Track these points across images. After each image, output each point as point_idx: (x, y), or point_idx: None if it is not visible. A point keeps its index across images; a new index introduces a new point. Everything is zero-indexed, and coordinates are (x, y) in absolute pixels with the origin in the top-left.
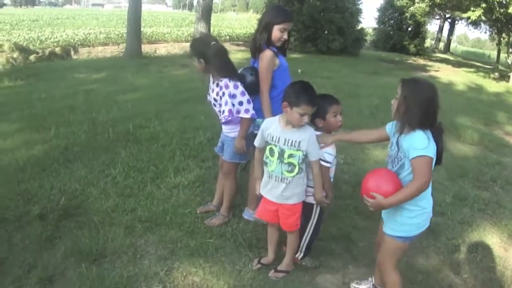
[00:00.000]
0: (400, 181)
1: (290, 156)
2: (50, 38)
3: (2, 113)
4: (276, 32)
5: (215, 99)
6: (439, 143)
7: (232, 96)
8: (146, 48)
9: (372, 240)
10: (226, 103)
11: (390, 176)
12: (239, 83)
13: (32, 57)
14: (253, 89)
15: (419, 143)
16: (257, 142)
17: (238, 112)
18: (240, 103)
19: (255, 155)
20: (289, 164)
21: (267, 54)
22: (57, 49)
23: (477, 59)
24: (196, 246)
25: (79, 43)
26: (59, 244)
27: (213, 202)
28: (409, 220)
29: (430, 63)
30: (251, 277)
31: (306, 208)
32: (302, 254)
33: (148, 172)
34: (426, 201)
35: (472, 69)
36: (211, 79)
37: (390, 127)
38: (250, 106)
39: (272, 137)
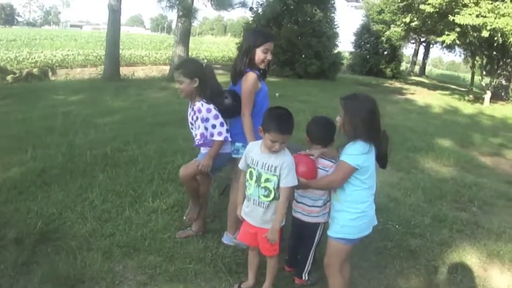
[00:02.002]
0: (313, 164)
1: (266, 180)
2: (28, 59)
3: None
4: (259, 54)
5: (191, 123)
6: (384, 148)
7: (205, 120)
8: (124, 71)
9: (353, 264)
10: (198, 127)
11: (305, 161)
12: (212, 107)
13: (9, 78)
14: (229, 112)
15: (352, 149)
16: (241, 165)
17: (212, 135)
18: (213, 126)
19: (240, 178)
20: (265, 188)
21: (251, 76)
22: (35, 70)
23: (452, 82)
24: (176, 272)
25: (57, 64)
26: (36, 269)
27: (192, 228)
28: (349, 222)
29: (406, 86)
30: None
31: (311, 228)
32: (307, 277)
33: (126, 196)
34: (366, 205)
35: (447, 92)
36: (190, 103)
37: None
38: (223, 129)
39: (252, 160)
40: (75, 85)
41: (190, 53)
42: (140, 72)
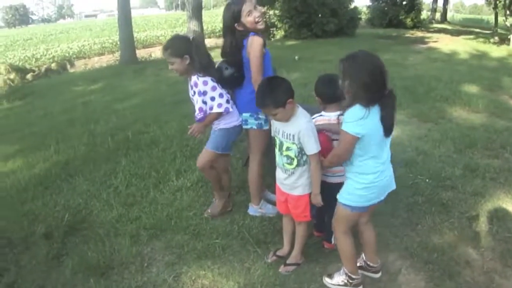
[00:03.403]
0: (328, 141)
1: (288, 149)
2: (45, 55)
3: (2, 136)
4: (247, 19)
5: (192, 99)
6: (389, 112)
7: (203, 93)
8: (141, 53)
9: (384, 222)
10: (197, 102)
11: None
12: (208, 79)
13: (29, 76)
14: (231, 83)
15: (349, 116)
16: (272, 133)
17: (211, 108)
18: (212, 99)
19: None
20: (287, 157)
21: (258, 40)
22: (53, 65)
23: (476, 25)
24: (203, 248)
25: (74, 56)
26: (67, 261)
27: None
28: (356, 191)
29: (428, 34)
30: (261, 274)
31: (336, 189)
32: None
33: (150, 178)
34: (376, 176)
35: (471, 36)
36: (187, 79)
37: None
38: (223, 100)
39: (275, 129)
40: (93, 74)
41: (205, 27)
42: (157, 52)
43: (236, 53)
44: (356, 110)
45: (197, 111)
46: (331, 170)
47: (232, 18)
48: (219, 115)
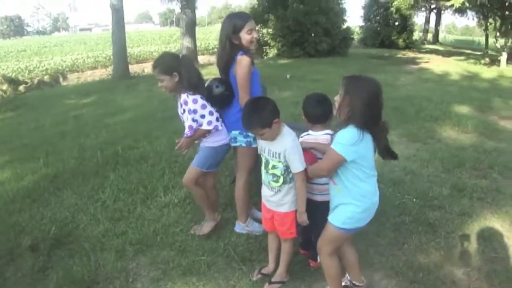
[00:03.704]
0: (314, 160)
1: (274, 167)
2: (39, 67)
3: None
4: (245, 36)
5: (181, 116)
6: (382, 141)
7: (193, 112)
8: (134, 68)
9: (370, 242)
10: (187, 119)
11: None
12: (198, 97)
13: (21, 88)
14: (221, 102)
15: (343, 137)
16: (258, 150)
17: (201, 125)
18: (202, 116)
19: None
20: (273, 175)
21: (246, 59)
22: (46, 77)
23: (467, 47)
24: (188, 265)
25: (67, 69)
26: (52, 274)
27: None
28: (356, 215)
29: (420, 55)
30: None
31: (323, 207)
32: None
33: (138, 193)
34: (374, 194)
35: (462, 57)
36: (177, 97)
37: None
38: (213, 118)
39: (261, 147)
40: (86, 88)
41: (199, 44)
42: (150, 68)
43: (227, 69)
44: (351, 133)
45: (186, 129)
46: (318, 188)
47: (233, 29)
48: (208, 132)
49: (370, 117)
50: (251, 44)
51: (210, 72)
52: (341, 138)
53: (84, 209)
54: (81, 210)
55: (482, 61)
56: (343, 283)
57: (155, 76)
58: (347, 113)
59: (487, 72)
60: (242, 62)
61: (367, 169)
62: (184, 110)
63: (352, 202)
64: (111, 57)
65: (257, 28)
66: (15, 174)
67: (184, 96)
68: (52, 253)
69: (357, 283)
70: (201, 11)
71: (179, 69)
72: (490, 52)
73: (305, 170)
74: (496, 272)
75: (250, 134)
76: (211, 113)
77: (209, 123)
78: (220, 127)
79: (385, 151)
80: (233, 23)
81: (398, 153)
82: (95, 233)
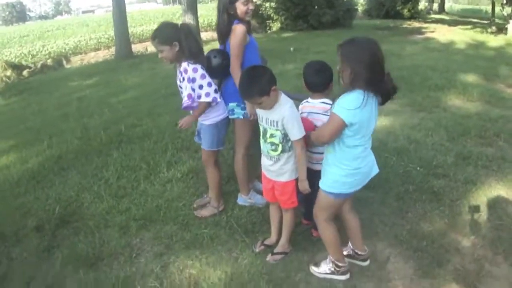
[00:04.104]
0: (312, 126)
1: (272, 135)
2: (42, 51)
3: None
4: (241, 6)
5: (180, 86)
6: (388, 87)
7: (192, 80)
8: (138, 47)
9: (373, 211)
10: (186, 88)
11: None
12: (199, 66)
13: (25, 73)
14: (219, 72)
15: (345, 102)
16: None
17: (199, 96)
18: (200, 87)
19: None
20: (272, 143)
21: (240, 28)
22: (49, 61)
23: (474, 16)
24: (191, 238)
25: (70, 52)
26: (57, 253)
27: (209, 194)
28: (341, 178)
29: (425, 25)
30: (248, 263)
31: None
32: None
33: (141, 170)
34: (359, 161)
35: (468, 26)
36: (176, 66)
37: None
38: (211, 89)
39: (259, 116)
40: (89, 69)
41: (202, 20)
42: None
43: (224, 38)
44: (354, 98)
45: (185, 98)
46: (317, 158)
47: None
48: (208, 105)
49: (373, 76)
50: (246, 15)
51: (213, 48)
52: (344, 103)
53: (88, 187)
54: (85, 189)
55: (489, 30)
56: (345, 252)
57: (154, 47)
58: (349, 79)
59: (494, 41)
60: (236, 30)
61: (361, 138)
62: (183, 79)
63: (336, 164)
64: (114, 37)
65: (255, 0)
66: (19, 157)
67: (184, 65)
68: (57, 232)
69: (359, 252)
70: None
71: (179, 38)
72: (497, 20)
73: (304, 138)
74: (501, 239)
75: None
76: (209, 84)
77: (207, 94)
78: (218, 99)
79: (386, 94)
80: None
81: (402, 122)
82: (99, 211)
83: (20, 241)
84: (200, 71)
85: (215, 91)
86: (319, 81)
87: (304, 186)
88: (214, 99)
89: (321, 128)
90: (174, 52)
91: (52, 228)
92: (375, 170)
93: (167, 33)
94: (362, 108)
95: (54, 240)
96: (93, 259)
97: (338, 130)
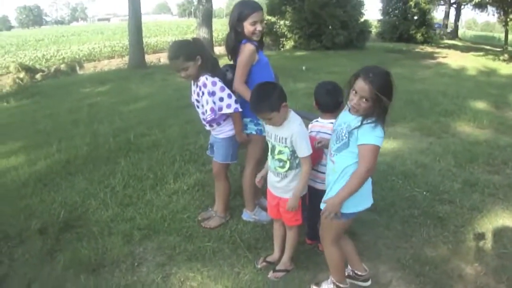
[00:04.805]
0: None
1: (280, 152)
2: (56, 56)
3: (7, 133)
4: (248, 27)
5: (197, 100)
6: None
7: (212, 94)
8: (151, 58)
9: (377, 234)
10: (207, 102)
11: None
12: (217, 79)
13: (38, 76)
14: (231, 87)
15: (378, 132)
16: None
17: (220, 108)
18: (221, 99)
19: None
20: (280, 160)
21: (248, 47)
22: (62, 66)
23: (487, 42)
24: (194, 251)
25: (84, 58)
26: (59, 256)
27: (214, 208)
28: (349, 199)
29: (438, 50)
30: (249, 279)
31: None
32: None
33: (147, 180)
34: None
35: (481, 53)
36: (193, 82)
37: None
38: (232, 100)
39: (268, 133)
40: (101, 77)
41: (216, 35)
42: (166, 58)
43: (232, 55)
44: (378, 126)
45: (208, 112)
46: (321, 177)
47: (238, 17)
48: (240, 115)
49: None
50: (253, 35)
51: (227, 62)
52: (378, 133)
53: (94, 194)
54: (91, 195)
55: (501, 57)
56: (346, 273)
57: (176, 67)
58: (372, 109)
59: (506, 68)
60: (244, 49)
61: None
62: (203, 93)
63: (342, 182)
64: (128, 46)
65: (265, 21)
66: (28, 159)
67: (203, 79)
68: (61, 236)
69: (359, 273)
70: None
71: (200, 52)
72: (509, 48)
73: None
74: (505, 267)
75: (260, 121)
76: (229, 96)
77: (228, 105)
78: (240, 109)
79: None
80: (240, 10)
81: (411, 146)
82: (103, 218)
83: (23, 243)
84: (219, 84)
85: (236, 102)
86: (330, 102)
87: (294, 203)
88: (236, 109)
89: (368, 165)
90: (197, 66)
91: (56, 232)
92: (371, 200)
93: (189, 49)
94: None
95: (57, 243)
96: (95, 265)
97: (377, 157)
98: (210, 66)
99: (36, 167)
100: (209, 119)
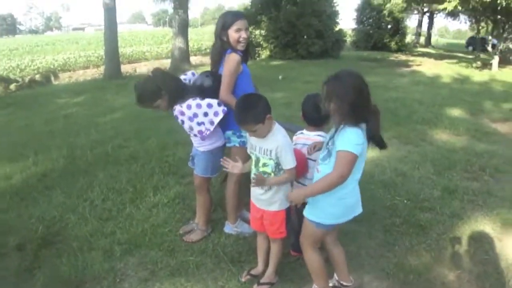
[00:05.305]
0: (302, 156)
1: (264, 165)
2: (30, 66)
3: None
4: (232, 34)
5: (185, 128)
6: (376, 125)
7: (194, 116)
8: (126, 68)
9: (360, 243)
10: (191, 128)
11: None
12: (190, 100)
13: (12, 86)
14: (210, 93)
15: (353, 138)
16: (248, 149)
17: (212, 122)
18: (205, 114)
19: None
20: (263, 172)
21: (234, 57)
22: (37, 76)
23: (459, 50)
24: (177, 265)
25: (59, 68)
26: (38, 274)
27: (195, 220)
28: (325, 208)
29: (412, 58)
30: None
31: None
32: None
33: (127, 193)
34: (346, 192)
35: (454, 60)
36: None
37: None
38: (215, 108)
39: (251, 145)
40: (77, 87)
41: (191, 45)
42: (142, 67)
43: (217, 65)
44: (358, 133)
45: (198, 136)
46: None
47: (222, 25)
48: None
49: (360, 110)
50: (238, 44)
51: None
52: (352, 139)
53: (72, 208)
54: (69, 209)
55: (474, 65)
56: (330, 284)
57: (147, 108)
58: (338, 116)
59: (479, 76)
60: (229, 58)
61: (355, 171)
62: (182, 121)
63: (324, 194)
64: (103, 56)
65: (249, 29)
66: (3, 173)
67: (178, 108)
68: (39, 252)
69: (345, 283)
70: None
71: (162, 86)
72: (482, 55)
73: (295, 167)
74: (487, 274)
75: (243, 134)
76: (209, 106)
77: (216, 114)
78: (226, 109)
79: (378, 137)
80: (224, 19)
81: (389, 155)
82: (83, 233)
83: (0, 260)
84: (193, 103)
85: (219, 104)
86: (317, 117)
87: (262, 181)
88: (224, 111)
89: (340, 170)
90: (166, 99)
91: (34, 248)
92: (359, 209)
93: (151, 90)
94: (364, 142)
95: (36, 260)
96: (76, 282)
97: (353, 165)
98: (177, 93)
99: (12, 181)
100: (201, 136)
